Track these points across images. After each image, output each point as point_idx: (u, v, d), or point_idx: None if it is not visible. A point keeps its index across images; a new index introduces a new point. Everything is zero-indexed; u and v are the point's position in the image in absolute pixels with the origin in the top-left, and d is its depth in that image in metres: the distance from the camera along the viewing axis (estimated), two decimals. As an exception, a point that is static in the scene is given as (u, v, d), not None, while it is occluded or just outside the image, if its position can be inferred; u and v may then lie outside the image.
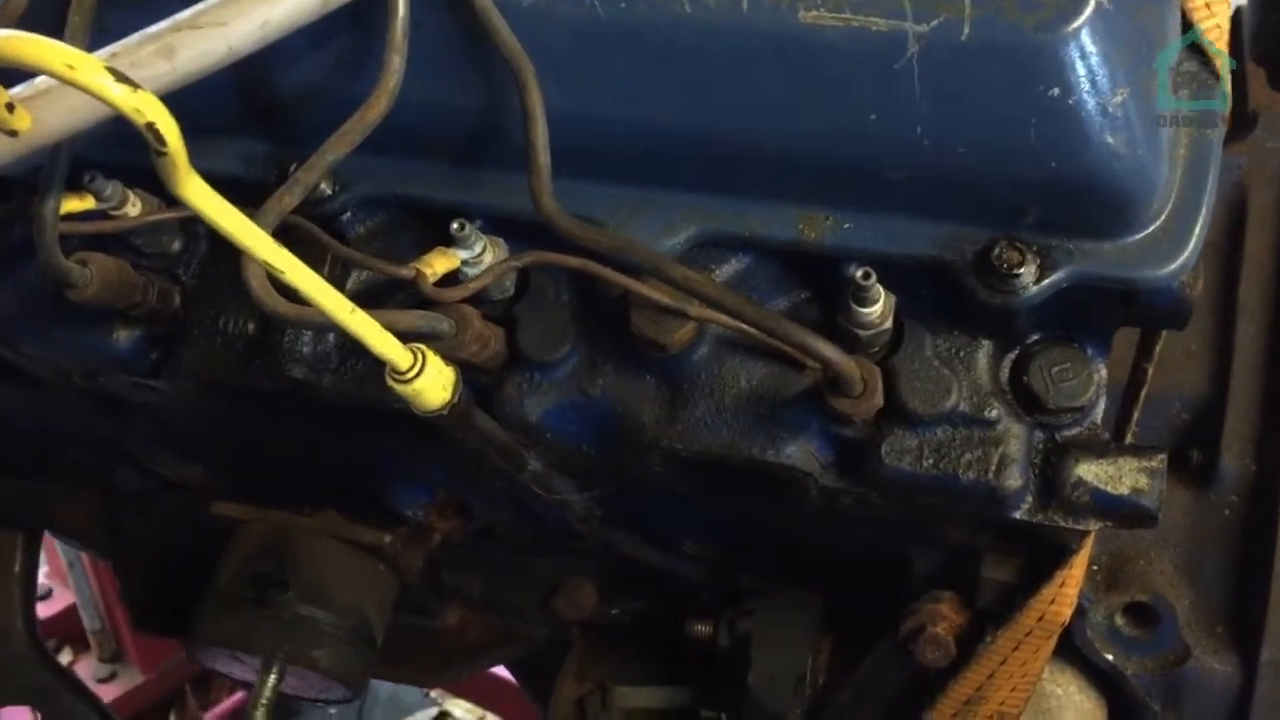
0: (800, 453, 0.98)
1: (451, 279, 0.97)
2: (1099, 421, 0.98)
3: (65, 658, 3.55)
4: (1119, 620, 1.16)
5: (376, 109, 0.87)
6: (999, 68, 0.82)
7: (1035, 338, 0.98)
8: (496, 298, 1.02)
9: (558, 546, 1.41)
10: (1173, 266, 0.89)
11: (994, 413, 0.95)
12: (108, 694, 3.39)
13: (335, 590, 1.31)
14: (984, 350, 0.97)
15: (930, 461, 0.95)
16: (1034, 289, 0.89)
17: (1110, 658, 1.16)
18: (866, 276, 0.88)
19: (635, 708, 1.37)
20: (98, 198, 1.02)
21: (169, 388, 1.14)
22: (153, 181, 1.05)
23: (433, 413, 0.85)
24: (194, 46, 0.72)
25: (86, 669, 3.51)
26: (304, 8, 0.74)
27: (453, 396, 0.84)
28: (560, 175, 0.95)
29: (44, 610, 3.39)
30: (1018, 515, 0.97)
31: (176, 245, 1.11)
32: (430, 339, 0.92)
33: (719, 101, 0.89)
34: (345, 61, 0.95)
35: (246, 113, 1.02)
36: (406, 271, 0.93)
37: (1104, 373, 0.98)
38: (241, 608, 1.28)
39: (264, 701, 1.30)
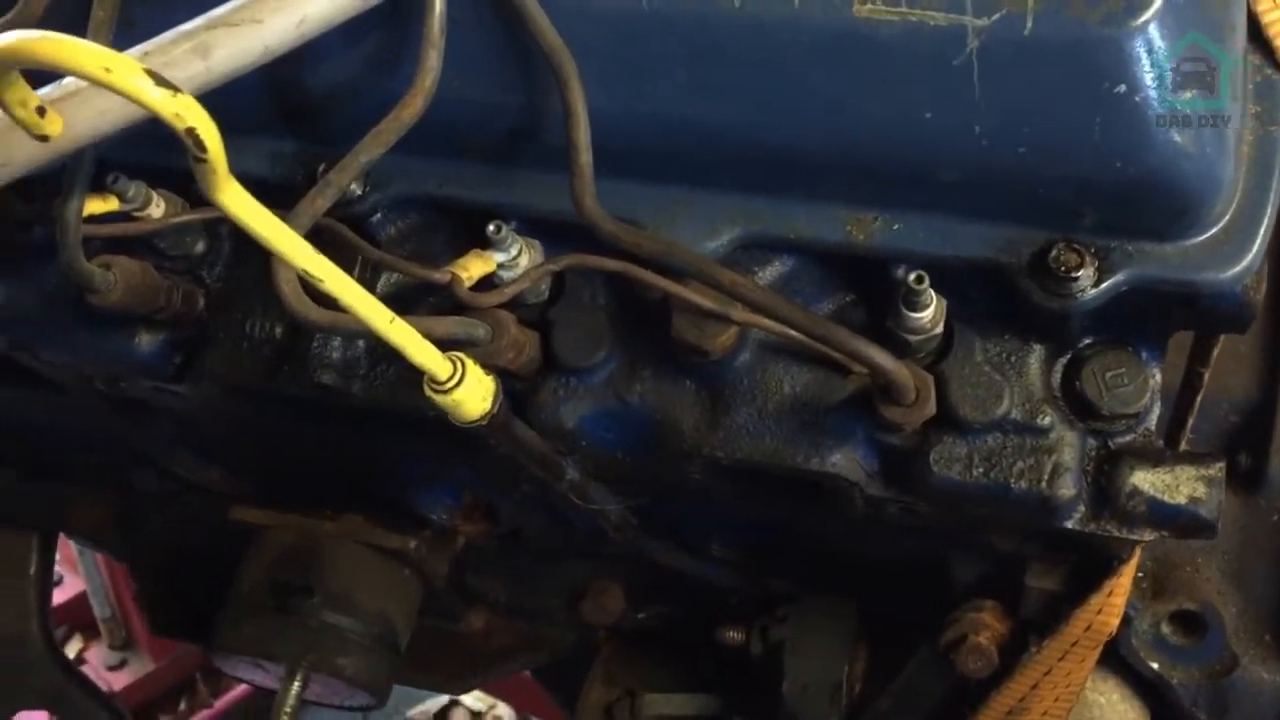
0: (846, 461, 0.94)
1: (487, 283, 0.94)
2: (1153, 428, 0.95)
3: (76, 645, 3.52)
4: (1165, 628, 1.13)
5: (412, 108, 0.83)
6: (1063, 63, 0.78)
7: (1088, 342, 0.94)
8: (531, 302, 0.98)
9: (585, 551, 1.38)
10: (1237, 269, 0.85)
11: (1047, 420, 0.92)
12: (118, 681, 3.36)
13: (360, 596, 1.28)
14: (1036, 355, 0.93)
15: (980, 470, 0.92)
16: (1092, 292, 0.86)
17: (1155, 666, 1.13)
18: (920, 280, 0.85)
19: (664, 714, 1.34)
20: (121, 199, 0.98)
21: (193, 392, 1.10)
22: (175, 182, 1.03)
23: (472, 423, 0.81)
24: (230, 45, 0.68)
25: (97, 656, 3.48)
26: (342, 4, 0.71)
27: (493, 407, 0.81)
28: (600, 174, 0.91)
29: (55, 597, 3.35)
30: (1070, 525, 0.93)
31: (200, 247, 1.07)
32: (466, 346, 0.88)
33: (767, 99, 0.85)
34: (379, 58, 0.91)
35: (274, 111, 0.98)
36: (441, 275, 0.89)
37: (1159, 378, 0.94)
38: (265, 615, 1.25)
39: (287, 710, 1.27)
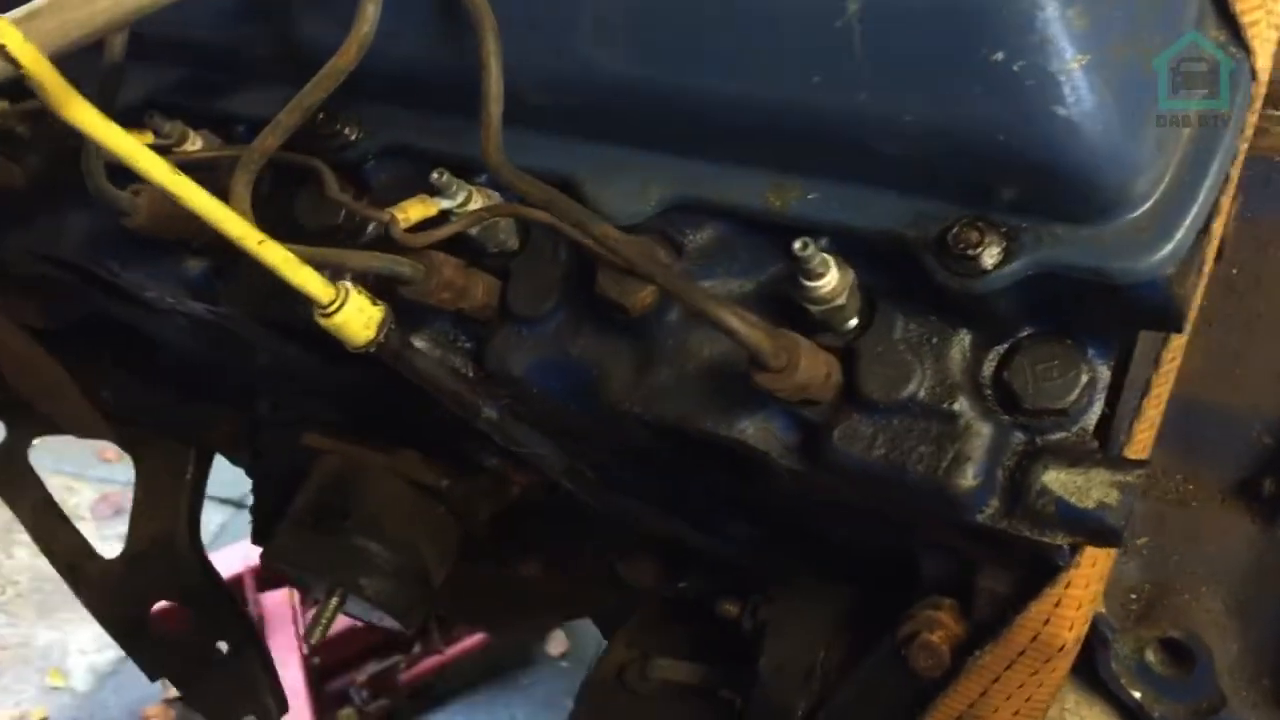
0: (756, 430, 0.93)
1: (436, 227, 0.98)
2: (1090, 427, 0.89)
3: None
4: (1151, 656, 1.04)
5: (347, 56, 0.90)
6: (940, 28, 0.75)
7: (1029, 331, 0.89)
8: (493, 250, 1.02)
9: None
10: (1153, 259, 0.78)
11: (957, 406, 0.88)
12: (370, 618, 3.66)
13: (391, 525, 1.36)
14: (961, 339, 0.89)
15: (882, 451, 0.88)
16: (995, 275, 0.81)
17: (1137, 695, 1.04)
18: (804, 247, 0.83)
19: (669, 680, 1.35)
20: (156, 134, 1.10)
21: (229, 316, 1.22)
22: (218, 125, 1.14)
23: (358, 349, 0.87)
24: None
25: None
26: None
27: (377, 334, 0.86)
28: (544, 130, 0.95)
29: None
30: (980, 519, 0.88)
31: (241, 183, 1.17)
32: (393, 282, 0.94)
33: (672, 58, 0.85)
34: (346, 13, 0.97)
35: (281, 60, 1.07)
36: (381, 215, 0.95)
37: (1103, 374, 0.88)
38: (304, 531, 1.36)
39: (324, 620, 1.37)
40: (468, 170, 1.00)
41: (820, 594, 1.20)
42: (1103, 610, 1.03)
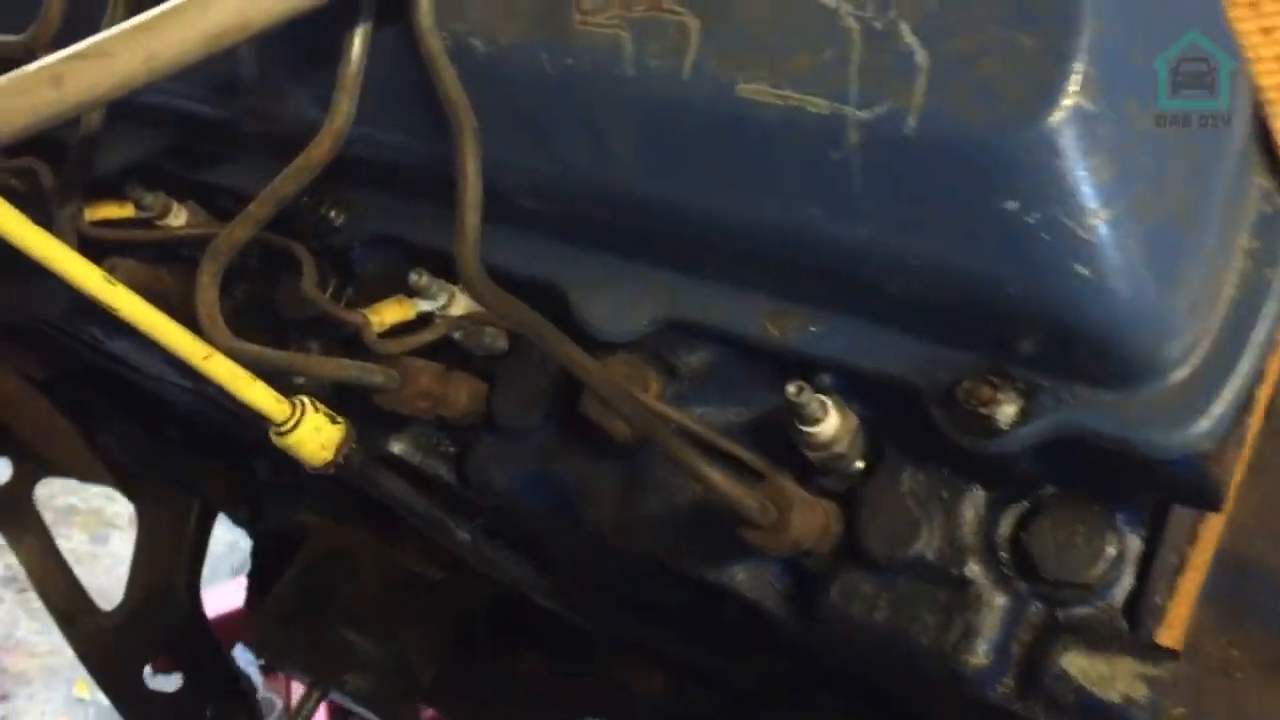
0: (749, 577, 0.90)
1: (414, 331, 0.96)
2: (1119, 605, 0.84)
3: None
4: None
5: (321, 149, 0.88)
6: (947, 169, 0.71)
7: (1052, 490, 0.85)
8: (480, 354, 1.00)
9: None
10: (1186, 435, 0.73)
11: (970, 571, 0.83)
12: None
13: (379, 618, 1.34)
14: (975, 495, 0.85)
15: (884, 614, 0.84)
16: (1010, 435, 0.77)
17: None
18: (798, 391, 0.79)
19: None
20: (138, 206, 1.09)
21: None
22: (205, 195, 1.13)
23: (316, 469, 0.85)
24: (81, 76, 0.75)
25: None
26: (188, 48, 0.76)
27: (336, 456, 0.84)
28: (537, 232, 0.93)
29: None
30: (992, 699, 0.84)
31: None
32: (367, 391, 0.92)
33: (662, 172, 0.82)
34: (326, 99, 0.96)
35: (270, 137, 1.06)
36: (353, 318, 0.93)
37: (1132, 545, 0.83)
38: (286, 620, 1.35)
39: (305, 713, 1.36)
40: (454, 267, 0.98)
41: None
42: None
